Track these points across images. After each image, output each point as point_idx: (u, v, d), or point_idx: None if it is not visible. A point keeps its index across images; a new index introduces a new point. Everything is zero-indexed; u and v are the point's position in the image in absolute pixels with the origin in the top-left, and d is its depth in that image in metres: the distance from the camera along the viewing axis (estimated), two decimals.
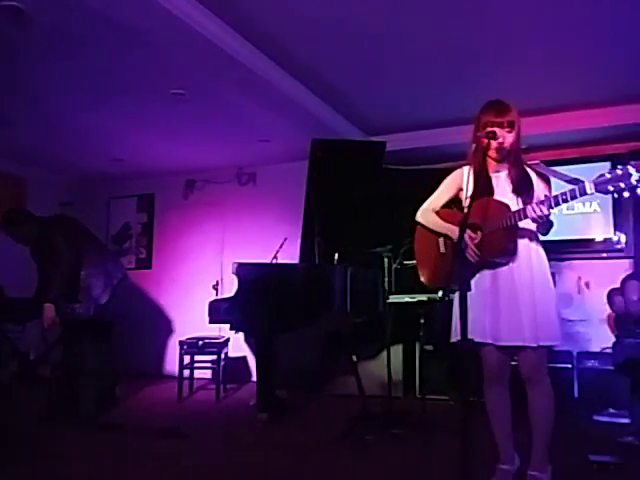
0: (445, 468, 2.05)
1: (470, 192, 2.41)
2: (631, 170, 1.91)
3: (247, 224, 6.28)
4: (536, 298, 2.35)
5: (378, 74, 4.30)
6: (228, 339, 5.17)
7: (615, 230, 5.04)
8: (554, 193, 2.24)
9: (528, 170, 2.48)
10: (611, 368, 3.98)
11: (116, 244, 6.94)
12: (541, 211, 2.21)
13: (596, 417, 3.82)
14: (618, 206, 4.99)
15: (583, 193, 2.08)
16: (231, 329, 3.94)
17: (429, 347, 4.83)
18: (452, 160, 2.40)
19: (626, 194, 1.96)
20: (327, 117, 5.01)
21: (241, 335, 5.43)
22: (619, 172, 1.95)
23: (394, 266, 4.21)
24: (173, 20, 3.21)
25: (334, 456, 3.11)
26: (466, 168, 2.52)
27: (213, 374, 5.03)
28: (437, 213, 2.63)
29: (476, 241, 2.43)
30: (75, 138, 5.50)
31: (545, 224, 2.35)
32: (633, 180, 1.92)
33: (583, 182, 2.09)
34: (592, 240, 5.16)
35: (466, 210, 2.28)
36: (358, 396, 3.87)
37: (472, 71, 4.17)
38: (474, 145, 2.48)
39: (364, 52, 3.92)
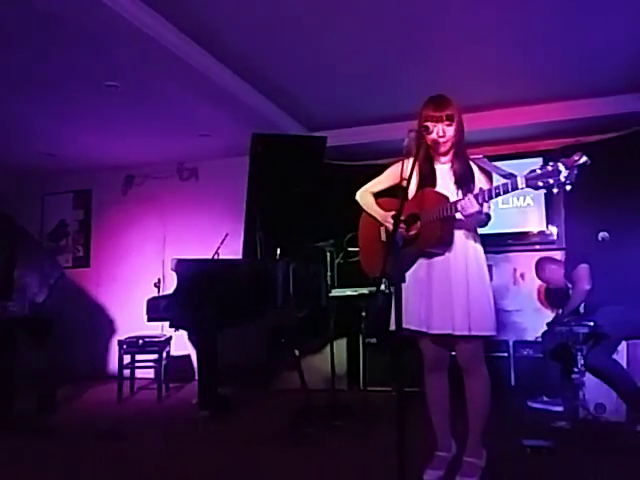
0: (383, 457, 2.08)
1: (414, 182, 2.51)
2: (561, 167, 1.98)
3: (189, 220, 6.18)
4: (470, 289, 2.41)
5: (319, 70, 4.31)
6: (170, 337, 5.07)
7: (548, 223, 5.24)
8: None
9: (471, 164, 2.54)
10: (541, 356, 4.14)
11: (52, 242, 6.69)
12: (472, 206, 2.28)
13: (530, 403, 3.96)
14: (550, 200, 5.20)
15: (515, 188, 2.15)
16: (171, 327, 3.86)
17: (373, 340, 4.89)
18: (393, 156, 2.44)
19: (555, 190, 2.03)
20: (269, 112, 4.98)
21: (184, 333, 5.35)
22: (549, 168, 2.02)
23: (337, 260, 4.25)
24: (105, 9, 3.11)
25: (276, 450, 3.10)
26: (412, 159, 2.55)
27: (156, 373, 4.92)
28: (378, 200, 2.69)
29: (414, 232, 2.48)
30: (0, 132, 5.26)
31: (481, 217, 2.42)
32: (562, 177, 1.99)
33: (516, 177, 2.16)
34: (527, 233, 5.35)
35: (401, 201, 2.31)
36: (301, 390, 3.87)
37: (412, 68, 4.23)
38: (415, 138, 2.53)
39: (305, 47, 3.92)
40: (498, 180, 2.35)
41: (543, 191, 2.14)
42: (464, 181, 2.50)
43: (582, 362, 3.46)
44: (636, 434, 3.30)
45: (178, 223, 6.25)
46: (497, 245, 5.09)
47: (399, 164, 2.49)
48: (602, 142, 5.00)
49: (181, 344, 5.49)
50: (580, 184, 5.00)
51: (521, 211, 5.36)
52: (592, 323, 3.47)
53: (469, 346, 2.45)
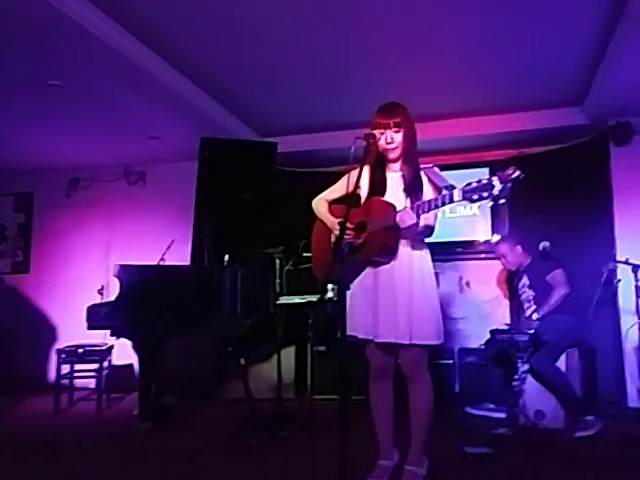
0: (326, 466, 2.06)
1: (365, 189, 2.57)
2: (495, 182, 2.02)
3: (136, 225, 6.02)
4: (414, 298, 2.43)
5: (271, 75, 4.29)
6: (112, 346, 4.91)
7: (493, 232, 5.37)
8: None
9: (421, 174, 2.55)
10: (485, 363, 4.21)
11: None
12: (409, 218, 2.31)
13: (472, 411, 4.01)
14: (495, 210, 5.33)
15: (451, 200, 2.19)
16: (112, 335, 3.74)
17: (322, 347, 4.88)
18: (345, 164, 2.45)
19: (490, 203, 2.08)
20: (220, 116, 4.92)
21: (128, 342, 5.19)
22: (484, 182, 2.05)
23: (286, 268, 4.21)
24: (48, 7, 3.02)
25: (217, 461, 3.03)
26: (366, 167, 2.55)
27: (97, 383, 4.75)
28: (330, 207, 2.70)
29: (360, 240, 2.48)
30: None
31: (421, 229, 2.45)
32: (495, 191, 2.02)
33: (453, 190, 2.19)
34: (473, 242, 5.46)
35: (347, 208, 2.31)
36: (247, 400, 3.82)
37: (363, 76, 4.27)
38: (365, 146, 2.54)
39: (257, 52, 3.90)
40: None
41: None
42: (413, 190, 2.51)
43: (523, 369, 3.54)
44: (574, 440, 3.40)
45: (124, 228, 6.08)
46: (445, 253, 5.17)
47: (355, 172, 2.51)
48: (544, 154, 5.17)
49: (124, 353, 5.33)
50: (523, 194, 5.17)
51: (468, 220, 5.47)
52: (532, 331, 3.56)
53: (412, 354, 2.46)
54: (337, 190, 2.73)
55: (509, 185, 2.02)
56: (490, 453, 2.93)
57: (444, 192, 2.26)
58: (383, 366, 2.58)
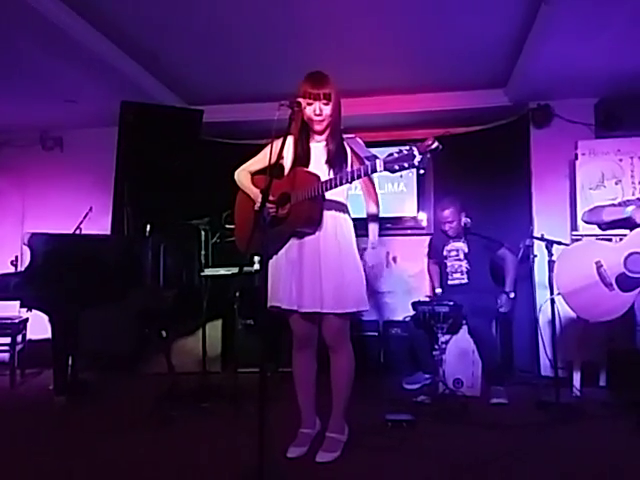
0: (248, 437, 2.05)
1: (290, 158, 2.55)
2: (415, 152, 2.06)
3: (52, 193, 5.68)
4: (339, 267, 2.44)
5: (197, 43, 4.12)
6: (27, 319, 4.66)
7: (419, 209, 5.48)
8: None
9: (345, 145, 2.55)
10: (408, 334, 4.32)
11: None
12: (331, 186, 2.31)
13: (409, 386, 4.06)
14: (421, 187, 5.43)
15: (374, 170, 2.21)
16: (22, 307, 3.54)
17: (250, 321, 4.84)
18: (270, 136, 2.41)
19: (410, 174, 2.11)
20: (144, 81, 4.66)
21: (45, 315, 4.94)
22: (405, 152, 2.09)
23: (213, 240, 4.11)
24: None
25: (135, 434, 2.95)
26: (290, 137, 2.54)
27: (10, 358, 4.50)
28: (253, 178, 2.65)
29: (285, 211, 2.45)
30: None
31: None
32: (415, 161, 2.07)
33: (376, 159, 2.20)
34: (401, 218, 5.55)
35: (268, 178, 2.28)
36: (169, 373, 3.73)
37: (294, 48, 4.18)
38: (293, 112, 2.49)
39: (182, 18, 3.72)
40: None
41: (413, 177, 2.24)
42: (336, 161, 2.52)
43: (442, 340, 3.66)
44: (490, 407, 3.57)
45: (40, 196, 5.73)
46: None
47: (278, 142, 2.45)
48: (469, 134, 5.30)
49: (42, 327, 5.07)
50: (448, 172, 5.29)
51: (396, 197, 5.54)
52: (452, 303, 3.67)
53: (336, 324, 2.48)
54: (260, 161, 2.67)
55: (428, 156, 2.07)
56: (409, 420, 3.01)
57: (367, 162, 2.26)
58: (306, 336, 2.58)
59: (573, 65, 4.17)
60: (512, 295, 4.14)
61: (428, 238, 4.83)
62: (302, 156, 2.54)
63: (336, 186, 2.33)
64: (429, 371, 3.90)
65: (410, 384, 4.06)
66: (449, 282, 4.32)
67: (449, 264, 4.32)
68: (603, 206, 3.33)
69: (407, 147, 2.09)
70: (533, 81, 4.50)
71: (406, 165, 2.09)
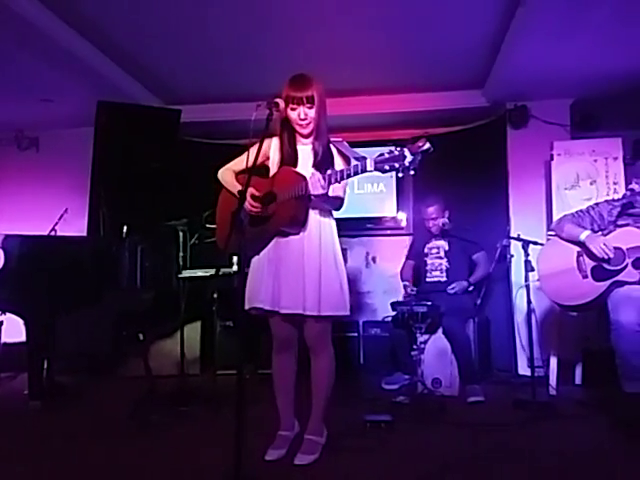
0: (225, 440, 2.03)
1: (275, 159, 2.52)
2: (406, 152, 2.04)
3: (27, 194, 5.57)
4: (322, 269, 2.43)
5: (176, 42, 4.11)
6: (1, 322, 4.57)
7: (398, 209, 5.50)
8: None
9: (331, 147, 2.54)
10: (388, 335, 4.33)
11: None
12: (318, 186, 2.29)
13: (388, 387, 4.07)
14: (400, 188, 5.46)
15: (364, 170, 2.19)
16: None
17: (229, 323, 4.81)
18: (253, 137, 2.39)
19: (400, 174, 2.10)
20: (122, 82, 4.65)
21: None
22: (396, 153, 2.07)
23: (191, 241, 4.08)
24: None
25: (112, 439, 2.90)
26: (275, 139, 2.53)
27: None
28: (237, 177, 2.61)
29: (270, 211, 2.44)
30: None
31: (332, 200, 2.45)
32: (406, 162, 2.05)
33: (365, 160, 2.19)
34: (380, 218, 5.57)
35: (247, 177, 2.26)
36: (147, 376, 3.69)
37: (273, 48, 4.18)
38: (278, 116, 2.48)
39: (162, 17, 3.72)
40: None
41: (392, 178, 2.24)
42: (322, 163, 2.50)
43: (421, 340, 3.68)
44: (467, 406, 3.60)
45: (15, 196, 5.62)
46: (352, 229, 5.25)
47: (264, 143, 2.44)
48: (447, 134, 5.34)
49: (17, 330, 4.97)
50: (426, 173, 5.30)
51: (375, 197, 5.56)
52: (430, 303, 3.69)
53: (318, 326, 2.47)
54: (244, 160, 2.59)
55: (419, 157, 2.05)
56: (388, 420, 3.02)
57: (355, 162, 2.26)
58: (287, 338, 2.57)
59: (549, 66, 4.23)
60: (470, 288, 4.19)
61: (408, 238, 4.87)
62: (289, 158, 2.51)
63: (331, 184, 2.31)
64: (408, 372, 3.90)
65: (389, 384, 4.07)
66: (427, 279, 4.35)
67: (429, 262, 4.35)
68: (568, 219, 3.42)
69: (398, 148, 2.08)
70: (510, 82, 4.55)
71: (397, 165, 2.07)
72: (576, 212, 3.46)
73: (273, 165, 2.56)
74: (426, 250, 4.40)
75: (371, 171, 2.18)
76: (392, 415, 3.09)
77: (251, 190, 2.43)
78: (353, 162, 2.34)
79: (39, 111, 5.16)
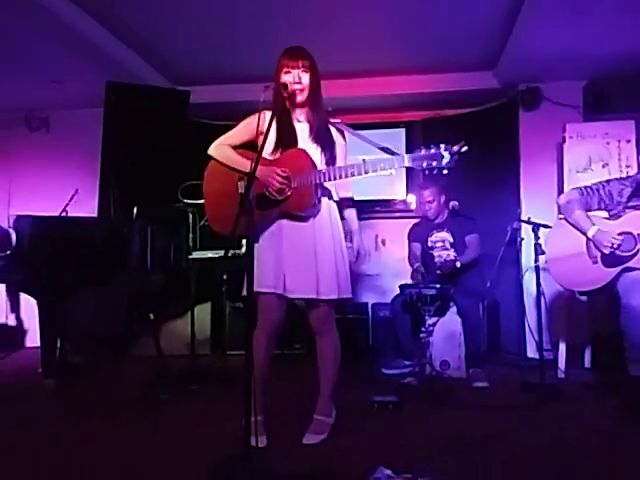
0: (233, 418, 2.06)
1: (271, 138, 2.41)
2: (444, 153, 2.12)
3: (39, 174, 5.61)
4: (334, 254, 2.44)
5: (185, 23, 4.07)
6: None
7: (407, 192, 5.47)
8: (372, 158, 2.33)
9: (331, 128, 2.54)
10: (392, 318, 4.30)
11: None
12: (352, 174, 2.30)
13: (388, 371, 4.05)
14: (410, 170, 5.42)
15: (401, 165, 2.24)
16: (8, 290, 3.51)
17: (238, 304, 4.84)
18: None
19: (434, 172, 2.17)
20: (130, 62, 4.61)
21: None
22: (433, 152, 2.15)
23: (201, 223, 4.09)
24: None
25: (124, 417, 2.96)
26: (267, 112, 2.43)
27: None
28: (237, 152, 2.51)
29: (289, 193, 2.39)
30: None
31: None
32: (444, 162, 2.12)
33: (400, 155, 2.24)
34: (390, 201, 5.54)
35: (268, 155, 2.24)
36: (158, 356, 3.74)
37: (281, 28, 4.12)
38: (273, 91, 2.46)
39: None
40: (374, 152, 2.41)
41: None
42: (324, 140, 2.50)
43: (430, 322, 3.68)
44: (474, 390, 3.61)
45: (26, 177, 5.66)
46: (362, 212, 5.20)
47: (253, 117, 2.43)
48: (458, 116, 5.29)
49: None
50: None
51: (385, 179, 5.52)
52: (439, 285, 3.69)
53: (326, 309, 2.49)
54: (238, 136, 2.52)
55: (455, 158, 2.13)
56: (395, 401, 3.04)
57: (387, 156, 2.29)
58: (281, 322, 2.51)
59: (562, 47, 4.16)
60: (458, 264, 4.07)
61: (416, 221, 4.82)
62: (289, 136, 2.47)
63: (359, 174, 2.31)
64: (411, 356, 3.91)
65: (389, 370, 4.05)
66: (438, 272, 4.30)
67: (436, 254, 4.29)
68: (577, 199, 3.35)
69: (434, 147, 2.15)
70: (522, 63, 4.49)
71: (434, 164, 2.14)
72: (585, 188, 3.37)
73: (270, 143, 2.44)
74: (430, 244, 4.34)
75: (407, 167, 2.23)
76: (400, 397, 3.11)
77: (277, 170, 2.36)
78: (380, 154, 2.34)
79: (49, 92, 5.15)
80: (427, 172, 2.21)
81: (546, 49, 4.18)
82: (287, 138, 2.46)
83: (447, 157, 2.11)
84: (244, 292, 2.39)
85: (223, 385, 3.41)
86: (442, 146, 2.16)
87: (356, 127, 5.39)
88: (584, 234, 3.27)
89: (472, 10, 3.86)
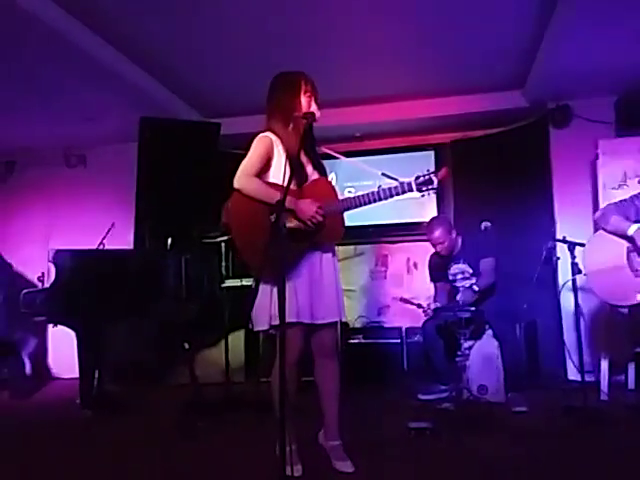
0: (269, 444, 2.06)
1: (282, 166, 2.35)
2: (433, 178, 2.33)
3: (77, 209, 5.79)
4: (335, 274, 2.51)
5: (215, 55, 4.19)
6: None
7: (438, 213, 5.42)
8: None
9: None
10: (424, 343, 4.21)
11: None
12: (368, 201, 2.36)
13: (424, 397, 3.94)
14: (441, 192, 5.38)
15: (410, 190, 2.36)
16: (48, 322, 3.61)
17: (272, 331, 4.84)
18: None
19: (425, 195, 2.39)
20: (161, 97, 4.78)
21: None
22: (427, 178, 2.33)
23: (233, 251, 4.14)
24: None
25: (162, 446, 2.98)
26: (273, 136, 2.45)
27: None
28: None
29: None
30: None
31: None
32: (434, 185, 2.34)
33: (408, 182, 2.33)
34: (421, 224, 5.49)
35: (286, 185, 2.20)
36: (193, 384, 3.77)
37: (307, 59, 4.16)
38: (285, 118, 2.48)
39: (199, 31, 3.79)
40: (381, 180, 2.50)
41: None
42: (322, 168, 2.56)
43: (466, 346, 3.62)
44: (513, 414, 3.50)
45: (66, 212, 5.85)
46: (393, 235, 5.23)
47: (267, 143, 2.42)
48: (487, 137, 5.26)
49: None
50: (467, 176, 5.25)
51: (415, 202, 5.48)
52: (474, 308, 3.63)
53: (336, 332, 2.55)
54: (259, 162, 2.42)
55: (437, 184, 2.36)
56: (432, 427, 2.98)
57: (395, 183, 2.35)
58: (303, 349, 2.47)
59: (592, 63, 4.13)
60: (475, 288, 3.94)
61: None
62: (301, 170, 2.46)
63: (374, 201, 2.37)
64: (446, 380, 3.83)
65: (425, 395, 3.95)
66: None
67: (459, 285, 4.18)
68: (612, 210, 3.28)
69: (425, 174, 2.33)
70: (551, 81, 4.46)
71: (430, 187, 2.33)
72: (620, 202, 3.31)
73: (279, 167, 2.40)
74: (451, 277, 4.26)
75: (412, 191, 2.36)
76: (437, 422, 3.06)
77: (315, 203, 2.36)
78: (390, 182, 2.39)
79: (86, 129, 5.36)
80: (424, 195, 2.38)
81: (575, 66, 4.15)
82: (299, 174, 2.44)
83: (435, 183, 2.32)
84: (255, 326, 2.47)
85: (257, 413, 3.40)
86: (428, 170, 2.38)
87: (384, 151, 5.48)
88: (625, 237, 3.17)
89: (498, 29, 3.87)
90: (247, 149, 2.47)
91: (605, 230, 3.31)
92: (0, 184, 6.04)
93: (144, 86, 4.49)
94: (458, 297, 4.00)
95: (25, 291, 3.78)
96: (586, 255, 3.42)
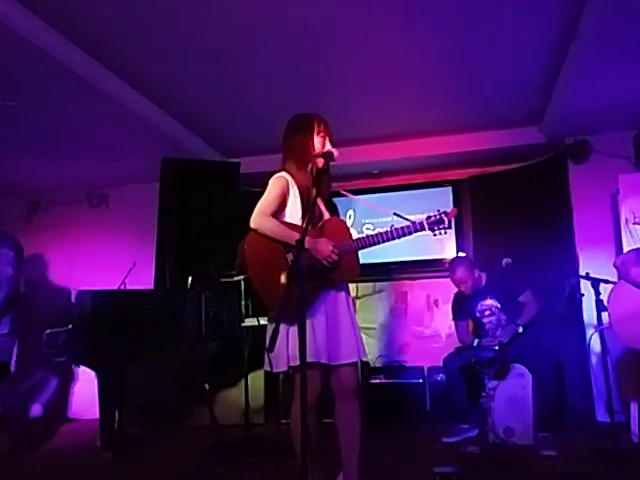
0: None
1: (298, 207, 2.46)
2: (444, 218, 2.40)
3: (99, 249, 5.86)
4: (350, 311, 2.49)
5: (234, 96, 4.27)
6: None
7: (457, 250, 5.40)
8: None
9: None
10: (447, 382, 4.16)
11: None
12: (383, 240, 2.39)
13: (449, 440, 3.82)
14: (460, 228, 5.37)
15: (423, 229, 2.40)
16: (70, 363, 3.62)
17: (291, 371, 4.79)
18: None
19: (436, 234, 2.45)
20: (182, 137, 4.88)
21: None
22: (438, 217, 2.40)
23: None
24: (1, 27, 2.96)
25: None
26: (288, 176, 2.49)
27: None
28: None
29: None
30: None
31: None
32: (445, 224, 2.41)
33: (420, 221, 2.39)
34: (440, 260, 5.47)
35: (304, 224, 2.22)
36: (213, 426, 3.72)
37: (325, 98, 4.27)
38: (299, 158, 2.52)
39: (220, 72, 3.88)
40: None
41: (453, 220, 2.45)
42: (334, 207, 2.61)
43: (490, 386, 3.54)
44: (542, 458, 3.38)
45: (88, 252, 5.92)
46: (413, 271, 5.19)
47: (280, 180, 2.46)
48: (505, 172, 5.26)
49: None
50: (486, 212, 5.22)
51: (435, 238, 5.44)
52: (497, 347, 3.56)
53: (357, 371, 2.50)
54: (278, 201, 2.46)
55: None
56: (458, 472, 2.89)
57: (407, 223, 2.39)
58: (322, 391, 2.44)
59: (609, 98, 4.13)
60: (520, 330, 3.90)
61: None
62: (315, 211, 2.47)
63: (387, 240, 2.40)
64: (471, 421, 3.73)
65: (449, 437, 3.84)
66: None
67: (486, 321, 4.15)
68: (632, 260, 3.27)
69: (437, 214, 2.40)
70: (568, 116, 4.47)
71: (440, 226, 2.40)
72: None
73: (294, 207, 2.47)
74: (478, 314, 4.21)
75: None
76: (462, 467, 2.97)
77: (330, 242, 2.38)
78: (402, 222, 2.43)
79: (108, 169, 5.47)
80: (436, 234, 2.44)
81: (592, 101, 4.16)
82: (314, 216, 2.44)
83: (446, 222, 2.39)
84: (274, 367, 2.35)
85: (278, 456, 3.34)
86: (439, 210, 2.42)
87: (402, 188, 5.49)
88: None
89: (515, 66, 3.90)
90: (265, 187, 2.50)
91: (626, 280, 3.28)
92: (24, 224, 6.14)
93: (165, 127, 4.59)
94: (498, 333, 3.94)
95: (48, 331, 3.81)
96: (610, 304, 3.37)
